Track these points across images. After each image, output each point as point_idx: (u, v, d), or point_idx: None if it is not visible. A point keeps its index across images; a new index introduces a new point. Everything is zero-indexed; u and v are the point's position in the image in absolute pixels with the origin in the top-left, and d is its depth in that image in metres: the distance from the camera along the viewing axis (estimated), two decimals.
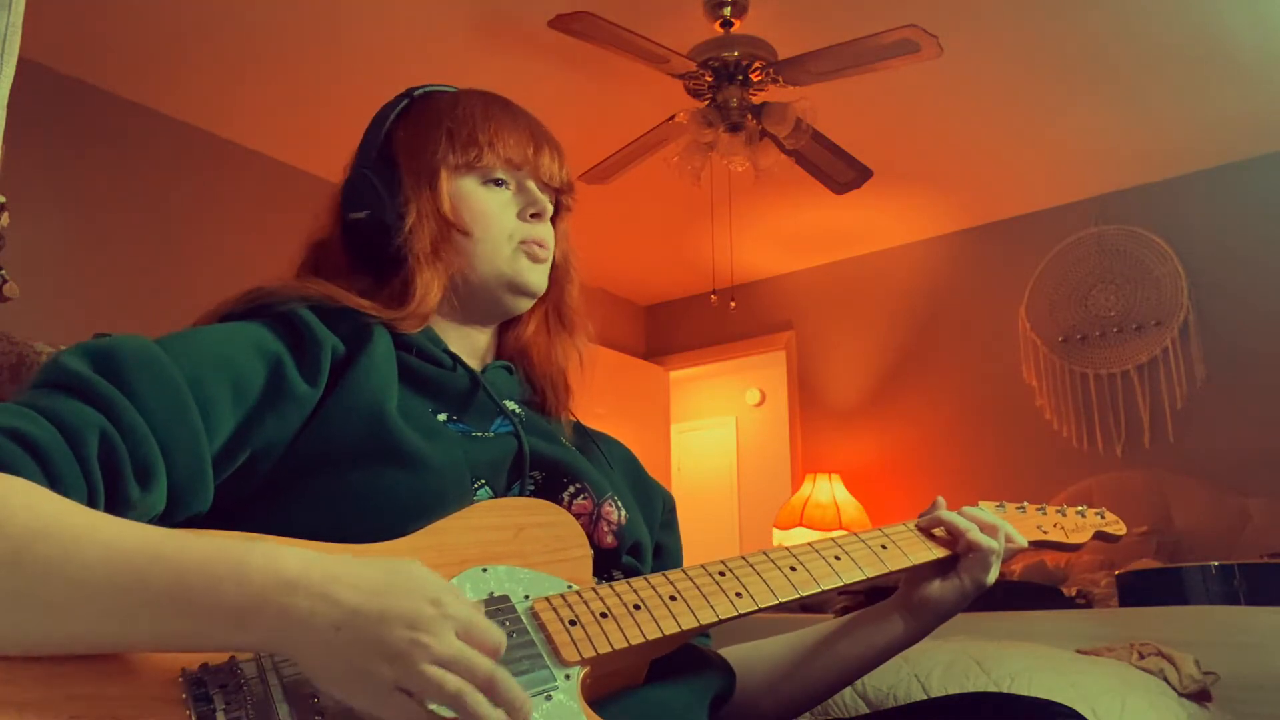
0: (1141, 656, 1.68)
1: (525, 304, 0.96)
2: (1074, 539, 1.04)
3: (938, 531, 0.94)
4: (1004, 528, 0.94)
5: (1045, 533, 1.03)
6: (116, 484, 0.64)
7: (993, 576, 0.93)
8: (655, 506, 1.00)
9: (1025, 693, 1.33)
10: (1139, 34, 3.18)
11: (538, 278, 0.95)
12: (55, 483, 0.60)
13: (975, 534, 0.92)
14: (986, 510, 1.00)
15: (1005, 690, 1.37)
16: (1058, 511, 1.07)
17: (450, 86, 1.00)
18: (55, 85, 3.33)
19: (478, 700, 0.56)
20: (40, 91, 3.23)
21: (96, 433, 0.63)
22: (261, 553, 0.58)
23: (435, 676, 0.56)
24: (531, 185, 0.94)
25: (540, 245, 0.94)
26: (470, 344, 0.95)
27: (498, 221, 0.92)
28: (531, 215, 0.94)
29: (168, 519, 0.68)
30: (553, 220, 0.99)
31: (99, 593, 0.55)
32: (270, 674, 0.60)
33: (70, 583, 0.54)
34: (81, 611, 0.55)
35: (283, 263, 0.96)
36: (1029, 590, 2.96)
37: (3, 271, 1.43)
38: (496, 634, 0.60)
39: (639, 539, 0.90)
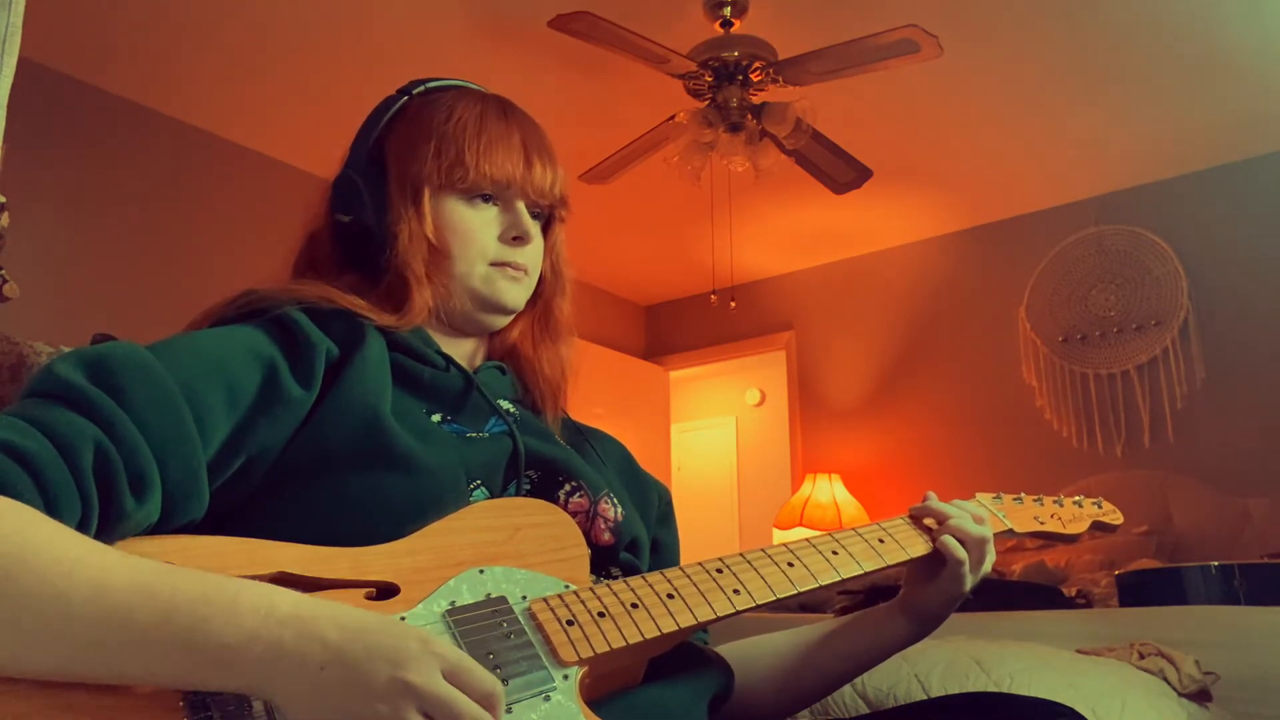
0: (1141, 656, 1.67)
1: (501, 321, 0.95)
2: (1071, 529, 1.05)
3: (928, 522, 0.94)
4: (966, 513, 0.93)
5: (1042, 524, 1.03)
6: (111, 497, 0.63)
7: (987, 566, 0.93)
8: (650, 501, 0.99)
9: (1025, 693, 1.32)
10: (1139, 34, 3.18)
11: (513, 297, 0.93)
12: (50, 498, 0.59)
13: (958, 521, 0.92)
14: (984, 500, 1.01)
15: (1005, 690, 1.37)
16: (1055, 502, 1.07)
17: (453, 81, 0.98)
18: (55, 85, 3.33)
19: None
20: (40, 91, 3.23)
21: (91, 445, 0.62)
22: (254, 592, 0.57)
23: None
24: (520, 206, 0.92)
25: (516, 267, 0.93)
26: (459, 349, 0.94)
27: (476, 241, 0.91)
28: (513, 238, 0.92)
29: (162, 527, 0.67)
30: (545, 229, 0.98)
31: (87, 628, 0.54)
32: None
33: (58, 617, 0.54)
34: (69, 645, 0.54)
35: (283, 263, 0.96)
36: (1029, 590, 2.95)
37: (3, 271, 1.43)
38: (490, 681, 0.58)
39: (636, 535, 0.90)
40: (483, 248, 0.91)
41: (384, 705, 0.54)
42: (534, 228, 0.94)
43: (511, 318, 0.96)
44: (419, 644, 0.57)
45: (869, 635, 0.96)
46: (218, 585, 0.57)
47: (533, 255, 0.95)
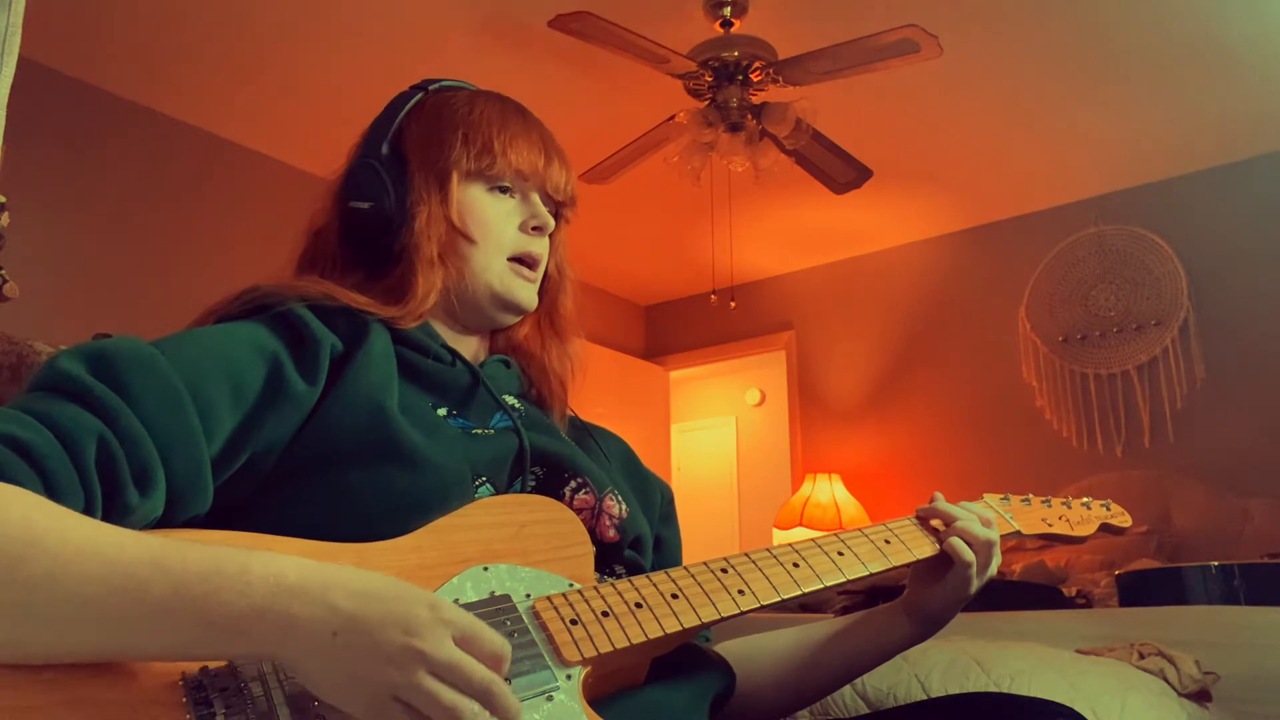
0: (1141, 656, 1.67)
1: (513, 320, 0.97)
2: (1079, 531, 1.04)
3: (935, 523, 0.94)
4: (974, 515, 0.93)
5: (1050, 525, 1.02)
6: (114, 490, 0.63)
7: (992, 569, 0.93)
8: (654, 499, 1.00)
9: (1025, 693, 1.32)
10: (1139, 33, 3.18)
11: (527, 295, 0.94)
12: (53, 491, 0.60)
13: (965, 523, 0.91)
14: (991, 502, 1.01)
15: (1005, 690, 1.37)
16: (1063, 504, 1.06)
17: (466, 83, 0.99)
18: (55, 85, 3.33)
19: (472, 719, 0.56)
20: (40, 91, 3.23)
21: (94, 439, 0.63)
22: (262, 561, 0.58)
23: (430, 690, 0.55)
24: (536, 198, 0.94)
25: (532, 265, 0.94)
26: (464, 346, 0.94)
27: (497, 231, 0.92)
28: (533, 229, 0.94)
29: (167, 522, 0.68)
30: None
31: (99, 605, 0.54)
32: (270, 678, 0.60)
33: (69, 595, 0.54)
34: (81, 623, 0.54)
35: (283, 262, 0.96)
36: (1029, 590, 2.96)
37: (3, 271, 1.43)
38: (499, 642, 0.59)
39: (640, 532, 0.90)
40: (501, 237, 0.92)
41: (396, 670, 0.56)
42: (552, 223, 0.96)
43: (519, 318, 0.97)
44: (428, 610, 0.58)
45: (872, 636, 0.96)
46: (226, 556, 0.58)
47: (547, 248, 0.97)
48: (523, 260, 0.93)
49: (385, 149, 0.92)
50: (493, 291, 0.92)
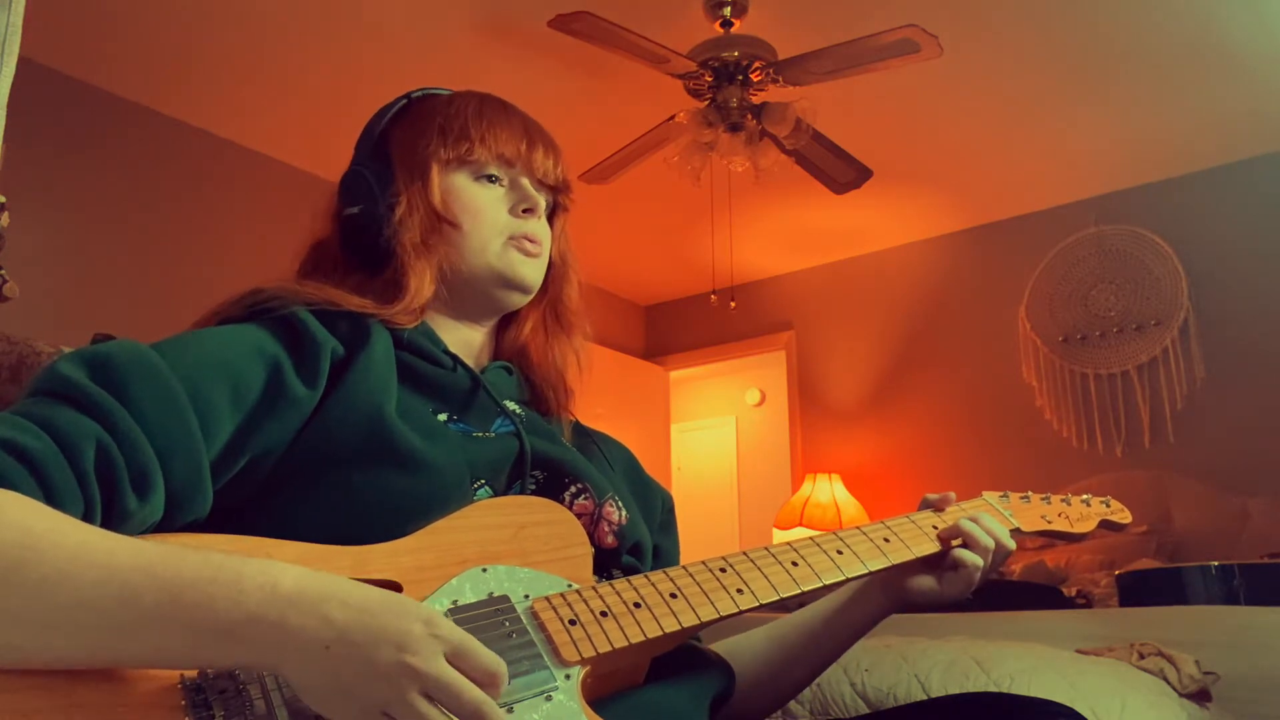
0: (1141, 656, 1.67)
1: (518, 299, 0.96)
2: (1079, 528, 1.04)
3: (938, 524, 0.93)
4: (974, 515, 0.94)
5: (1049, 522, 1.02)
6: (113, 495, 0.63)
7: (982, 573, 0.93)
8: (654, 507, 0.99)
9: (1025, 693, 1.33)
10: (1139, 34, 3.18)
11: (530, 272, 0.94)
12: (51, 495, 0.60)
13: (979, 536, 0.91)
14: (991, 499, 1.00)
15: (1005, 690, 1.37)
16: (1062, 501, 1.06)
17: (448, 90, 1.00)
18: (55, 85, 3.33)
19: None
20: (40, 91, 3.23)
21: (93, 443, 0.63)
22: (257, 569, 0.58)
23: (421, 709, 0.55)
24: (524, 182, 0.94)
25: (531, 241, 0.93)
26: (465, 342, 0.94)
27: (488, 216, 0.92)
28: (524, 211, 0.93)
29: (166, 526, 0.68)
30: (550, 219, 0.99)
31: (93, 611, 0.54)
32: (269, 680, 0.60)
33: (64, 602, 0.54)
34: (75, 629, 0.54)
35: (283, 263, 0.96)
36: (1029, 590, 2.96)
37: (3, 271, 1.43)
38: (494, 660, 0.59)
39: (639, 539, 0.90)
40: (494, 220, 0.92)
41: (388, 686, 0.56)
42: (542, 203, 0.96)
43: (528, 299, 0.96)
44: (422, 627, 0.58)
45: (848, 626, 0.96)
46: (219, 563, 0.58)
47: (544, 231, 0.96)
48: (520, 240, 0.93)
49: (371, 155, 0.94)
50: (492, 269, 0.92)
